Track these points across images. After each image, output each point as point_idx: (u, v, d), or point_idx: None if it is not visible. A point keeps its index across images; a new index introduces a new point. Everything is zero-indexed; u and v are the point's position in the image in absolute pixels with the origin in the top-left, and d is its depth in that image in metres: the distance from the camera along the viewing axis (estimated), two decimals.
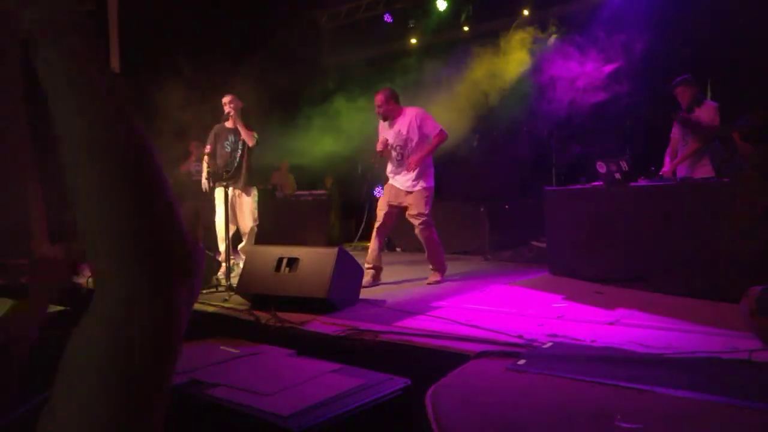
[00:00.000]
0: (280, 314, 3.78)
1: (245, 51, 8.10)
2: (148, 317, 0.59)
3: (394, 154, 5.19)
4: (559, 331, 3.18)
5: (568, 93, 7.41)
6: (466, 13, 9.22)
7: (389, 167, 5.32)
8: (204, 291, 4.78)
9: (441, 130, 5.11)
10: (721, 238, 3.96)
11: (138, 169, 0.62)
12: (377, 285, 5.11)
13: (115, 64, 8.14)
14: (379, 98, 5.15)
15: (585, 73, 7.33)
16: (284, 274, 4.13)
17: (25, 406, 2.20)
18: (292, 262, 4.15)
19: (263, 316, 3.82)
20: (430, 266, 5.30)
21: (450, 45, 9.19)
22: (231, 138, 5.75)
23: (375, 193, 10.44)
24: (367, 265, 5.09)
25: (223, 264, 5.15)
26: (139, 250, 0.59)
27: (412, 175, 5.12)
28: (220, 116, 5.81)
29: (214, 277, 5.05)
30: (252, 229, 5.73)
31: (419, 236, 5.20)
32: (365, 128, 7.43)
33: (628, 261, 4.59)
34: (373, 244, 5.28)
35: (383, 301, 4.30)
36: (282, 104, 8.54)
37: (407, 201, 5.17)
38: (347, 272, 4.18)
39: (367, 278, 4.92)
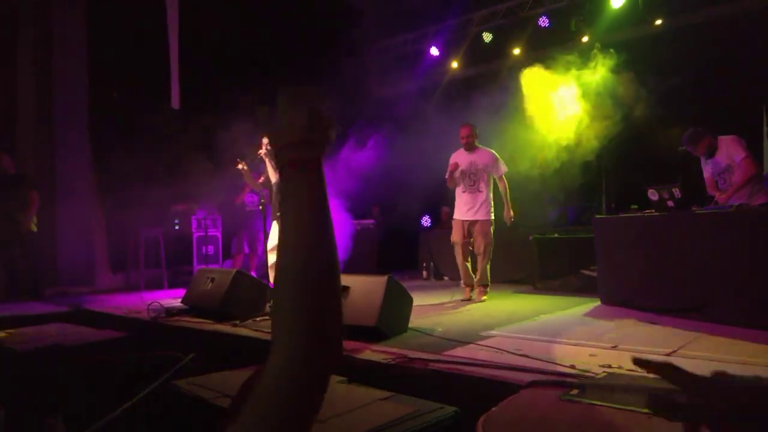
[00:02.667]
0: None
1: (297, 84, 8.36)
2: (308, 378, 0.79)
3: (465, 180, 6.03)
4: (613, 362, 3.13)
5: (619, 118, 7.36)
6: (513, 44, 9.30)
7: (459, 189, 6.10)
8: (258, 318, 4.91)
9: (505, 172, 6.10)
10: None
11: (330, 281, 0.84)
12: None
13: (175, 100, 8.55)
14: (467, 130, 6.08)
15: (635, 99, 7.27)
16: None
17: (94, 426, 2.33)
18: (343, 290, 4.23)
19: None
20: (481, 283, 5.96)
21: (496, 76, 9.28)
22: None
23: (422, 222, 10.52)
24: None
25: None
26: (314, 331, 0.80)
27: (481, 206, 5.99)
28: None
29: (268, 305, 5.17)
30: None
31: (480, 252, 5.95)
32: (413, 158, 7.54)
33: (684, 290, 4.47)
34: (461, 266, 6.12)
35: (433, 330, 4.32)
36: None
37: (475, 229, 5.97)
38: (397, 301, 4.23)
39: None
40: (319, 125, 0.93)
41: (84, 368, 3.56)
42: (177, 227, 8.27)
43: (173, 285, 7.90)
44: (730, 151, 5.18)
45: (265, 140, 6.00)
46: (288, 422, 0.76)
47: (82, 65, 8.08)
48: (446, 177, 6.15)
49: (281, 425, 0.75)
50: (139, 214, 7.81)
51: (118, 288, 8.03)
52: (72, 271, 7.86)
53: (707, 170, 5.44)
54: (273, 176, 5.94)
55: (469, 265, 6.13)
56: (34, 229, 7.12)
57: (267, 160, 5.97)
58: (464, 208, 6.04)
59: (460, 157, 6.11)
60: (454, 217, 6.14)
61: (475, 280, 6.01)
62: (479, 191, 5.97)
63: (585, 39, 8.63)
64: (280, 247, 0.84)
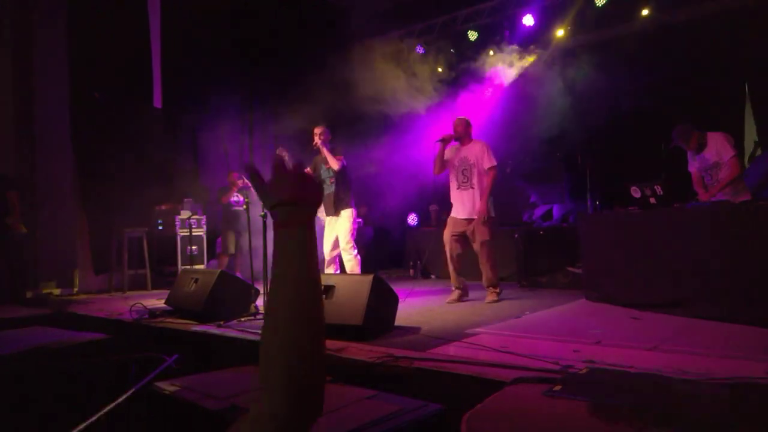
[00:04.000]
0: None
1: (281, 85, 8.33)
2: (295, 424, 0.87)
3: (458, 176, 5.81)
4: (596, 357, 3.15)
5: (602, 115, 7.42)
6: (498, 42, 9.33)
7: (453, 185, 5.88)
8: (242, 319, 4.89)
9: (492, 166, 5.70)
10: (761, 262, 3.88)
11: (318, 345, 0.92)
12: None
13: (158, 99, 8.49)
14: (457, 123, 5.87)
15: (617, 99, 7.34)
16: None
17: (77, 429, 2.30)
18: (328, 289, 4.22)
19: None
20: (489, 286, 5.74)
21: (481, 73, 9.31)
22: (323, 167, 6.20)
23: (409, 220, 10.53)
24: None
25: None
26: (296, 389, 0.87)
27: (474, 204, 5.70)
28: (310, 148, 6.21)
29: (253, 305, 5.15)
30: (347, 250, 6.01)
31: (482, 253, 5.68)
32: (401, 156, 7.55)
33: (666, 286, 4.51)
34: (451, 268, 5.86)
35: (418, 328, 4.33)
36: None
37: (471, 228, 5.68)
38: (383, 299, 4.23)
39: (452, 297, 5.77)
40: (306, 188, 1.02)
41: (66, 370, 3.53)
42: (161, 227, 8.20)
43: (157, 286, 7.84)
44: (718, 147, 5.23)
45: (318, 130, 6.13)
46: None
47: (64, 66, 7.98)
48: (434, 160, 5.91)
49: None
50: (122, 215, 7.73)
51: (101, 289, 7.94)
52: (54, 273, 7.77)
53: (694, 165, 5.49)
54: (334, 164, 6.02)
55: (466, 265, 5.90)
56: (24, 230, 7.04)
57: (323, 149, 6.05)
58: (458, 207, 5.80)
59: (451, 152, 5.89)
60: (451, 214, 5.92)
61: (483, 283, 5.78)
62: (472, 188, 5.70)
63: (561, 34, 8.67)
64: (270, 304, 0.91)
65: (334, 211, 6.08)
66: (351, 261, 6.03)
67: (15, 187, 7.04)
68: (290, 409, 0.85)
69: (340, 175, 6.11)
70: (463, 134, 5.83)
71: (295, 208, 0.99)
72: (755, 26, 6.60)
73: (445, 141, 5.82)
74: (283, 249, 0.96)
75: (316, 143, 6.08)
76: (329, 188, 6.11)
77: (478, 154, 5.71)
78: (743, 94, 7.34)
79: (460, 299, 5.74)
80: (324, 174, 6.19)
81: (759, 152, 7.11)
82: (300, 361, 0.87)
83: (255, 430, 0.85)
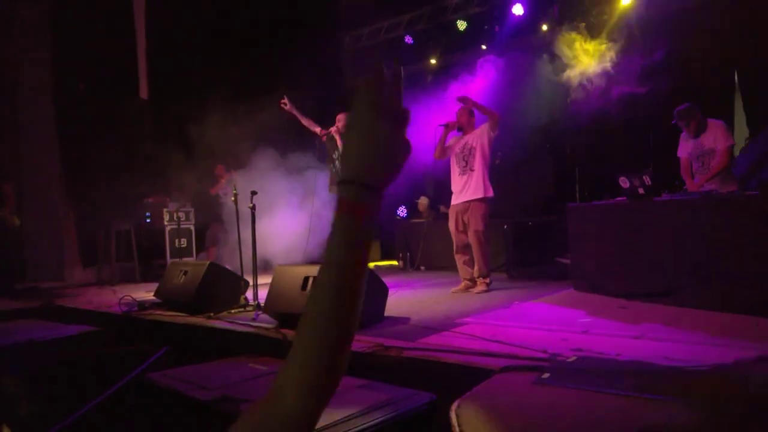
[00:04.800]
0: None
1: (269, 75, 8.28)
2: (314, 413, 0.79)
3: (459, 162, 5.82)
4: (583, 346, 3.19)
5: (590, 108, 7.44)
6: (486, 32, 9.33)
7: (454, 173, 5.90)
8: (233, 310, 4.89)
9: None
10: (746, 251, 3.93)
11: (347, 307, 0.83)
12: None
13: (144, 90, 8.41)
14: (459, 110, 5.90)
15: (607, 90, 7.36)
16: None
17: (61, 423, 2.30)
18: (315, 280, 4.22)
19: (290, 334, 3.88)
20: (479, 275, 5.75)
21: (471, 64, 9.30)
22: (336, 151, 6.34)
23: (398, 212, 10.54)
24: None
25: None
26: (326, 372, 0.80)
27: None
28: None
29: (243, 297, 5.14)
30: None
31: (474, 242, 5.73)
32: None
33: (653, 276, 4.56)
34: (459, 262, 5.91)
35: (408, 319, 4.35)
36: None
37: (467, 215, 5.74)
38: (372, 290, 4.23)
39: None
40: (391, 166, 0.84)
41: (57, 363, 3.52)
42: (149, 220, 8.15)
43: (146, 279, 7.79)
44: (717, 135, 5.27)
45: (343, 116, 6.17)
46: None
47: (47, 57, 7.89)
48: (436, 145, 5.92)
49: None
50: (110, 208, 7.68)
51: (89, 283, 7.90)
52: (42, 266, 7.72)
53: (686, 149, 5.51)
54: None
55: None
56: (17, 222, 6.97)
57: (338, 138, 6.08)
58: (457, 191, 5.84)
59: (454, 140, 5.92)
60: (451, 202, 5.94)
61: (473, 273, 5.78)
62: (472, 170, 5.71)
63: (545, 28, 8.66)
64: (319, 285, 0.84)
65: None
66: None
67: (10, 179, 6.96)
68: (323, 383, 0.79)
69: None
70: (465, 124, 5.87)
71: (370, 190, 0.82)
72: (745, 14, 6.63)
73: (448, 127, 5.88)
74: (345, 232, 0.82)
75: (333, 130, 6.14)
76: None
77: (480, 135, 5.74)
78: (732, 84, 7.38)
79: (466, 290, 5.74)
80: (336, 155, 6.29)
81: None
82: (339, 340, 0.82)
83: (269, 412, 0.79)
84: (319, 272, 0.84)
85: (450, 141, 5.97)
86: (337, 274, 0.82)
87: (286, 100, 6.36)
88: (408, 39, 10.20)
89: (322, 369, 0.79)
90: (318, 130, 6.40)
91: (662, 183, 5.02)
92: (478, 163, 5.71)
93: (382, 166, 0.83)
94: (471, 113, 5.94)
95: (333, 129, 6.19)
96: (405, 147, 0.84)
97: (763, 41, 6.53)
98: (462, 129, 5.89)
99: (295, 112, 6.40)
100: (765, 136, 4.24)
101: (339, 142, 6.10)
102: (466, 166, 5.78)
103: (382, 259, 9.68)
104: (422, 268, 8.38)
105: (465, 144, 5.82)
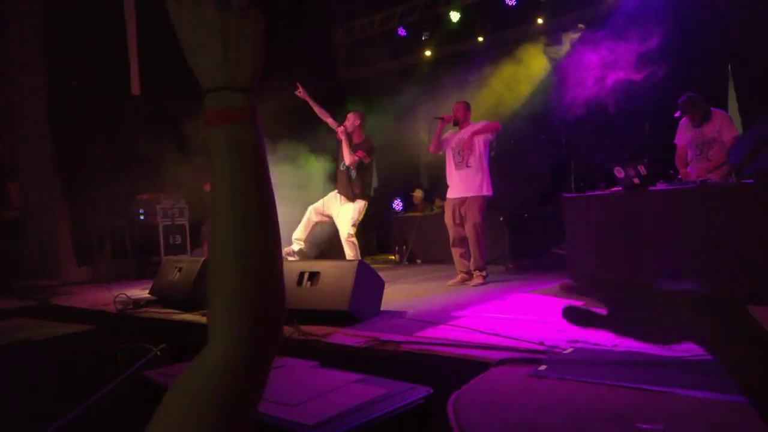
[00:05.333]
0: (303, 327, 3.84)
1: (263, 68, 8.24)
2: (251, 365, 0.69)
3: (455, 157, 5.87)
4: (580, 337, 3.18)
5: (584, 99, 7.42)
6: (480, 24, 9.28)
7: (449, 167, 5.94)
8: None
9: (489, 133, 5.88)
10: (742, 240, 3.94)
11: (274, 259, 0.72)
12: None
13: (136, 86, 8.35)
14: (456, 107, 5.99)
15: (602, 79, 7.34)
16: (306, 288, 4.20)
17: (57, 422, 2.29)
18: (313, 276, 4.22)
19: (287, 330, 3.87)
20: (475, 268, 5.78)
21: (464, 55, 9.27)
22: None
23: (394, 205, 10.53)
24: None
25: None
26: (252, 311, 0.69)
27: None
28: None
29: None
30: (348, 240, 6.01)
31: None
32: (383, 141, 7.50)
33: (650, 265, 4.56)
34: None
35: (404, 312, 4.34)
36: (299, 121, 8.70)
37: (464, 209, 5.78)
38: (368, 284, 4.23)
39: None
40: (254, 61, 0.74)
41: (52, 362, 3.50)
42: (142, 217, 8.11)
43: (141, 276, 7.77)
44: (721, 125, 5.26)
45: (351, 115, 6.13)
46: (226, 417, 0.67)
47: (39, 53, 7.82)
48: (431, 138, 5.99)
49: (218, 421, 0.66)
50: (104, 205, 7.65)
51: (84, 280, 7.87)
52: (36, 265, 7.68)
53: (686, 137, 5.50)
54: (348, 158, 5.98)
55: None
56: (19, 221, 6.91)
57: (344, 140, 6.02)
58: (453, 186, 5.90)
59: (450, 134, 6.01)
60: (447, 196, 5.99)
61: (470, 266, 5.82)
62: (468, 166, 5.77)
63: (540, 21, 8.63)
64: (215, 221, 0.71)
65: (350, 196, 6.07)
66: (351, 248, 6.00)
67: (15, 179, 6.90)
68: (245, 342, 0.68)
69: (358, 167, 6.06)
70: (462, 118, 5.94)
71: (248, 93, 0.73)
72: (739, 7, 6.62)
73: (444, 120, 5.93)
74: (232, 148, 0.71)
75: (340, 130, 6.08)
76: (349, 173, 6.10)
77: (475, 131, 5.81)
78: (726, 76, 7.38)
79: (463, 282, 5.76)
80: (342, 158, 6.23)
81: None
82: (257, 277, 0.70)
83: (200, 380, 0.67)
84: (214, 203, 0.71)
85: (446, 134, 6.00)
86: (237, 200, 0.71)
87: (300, 89, 6.30)
88: (401, 31, 10.14)
89: (245, 312, 0.69)
90: (331, 121, 6.33)
91: (658, 172, 5.01)
92: (474, 159, 5.76)
93: (247, 63, 0.73)
94: (467, 107, 5.99)
95: (341, 128, 6.12)
96: (262, 35, 0.74)
97: (757, 32, 6.53)
98: (458, 123, 5.94)
99: (309, 99, 6.34)
100: (758, 125, 4.24)
101: (344, 142, 6.04)
102: (462, 161, 5.82)
103: (379, 252, 9.67)
104: (419, 261, 8.38)
105: (460, 138, 5.86)
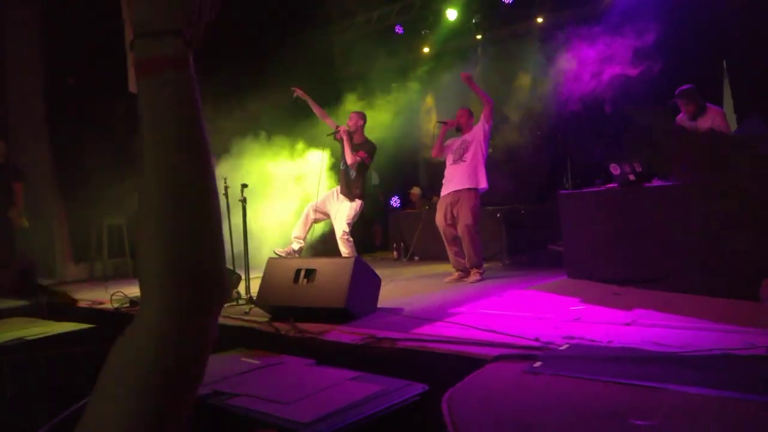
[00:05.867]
0: (300, 325, 3.84)
1: (259, 69, 8.22)
2: (187, 335, 0.64)
3: (454, 155, 5.87)
4: (575, 333, 3.19)
5: (581, 96, 7.42)
6: (477, 21, 9.27)
7: (448, 164, 5.93)
8: (225, 305, 4.87)
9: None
10: (736, 235, 3.94)
11: (194, 192, 0.67)
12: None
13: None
14: (459, 113, 6.02)
15: (598, 75, 7.34)
16: (302, 285, 4.19)
17: (53, 420, 2.29)
18: (310, 273, 4.21)
19: (283, 328, 3.88)
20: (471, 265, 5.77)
21: (462, 53, 9.26)
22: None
23: (392, 202, 10.53)
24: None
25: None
26: (184, 275, 0.64)
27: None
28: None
29: (235, 291, 5.13)
30: (343, 239, 6.02)
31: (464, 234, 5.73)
32: (380, 139, 7.50)
33: (646, 262, 4.57)
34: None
35: (401, 309, 4.34)
36: (297, 118, 8.69)
37: (457, 206, 5.74)
38: (364, 281, 4.23)
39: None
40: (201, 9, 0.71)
41: (48, 361, 3.50)
42: None
43: None
44: (715, 120, 5.26)
45: (354, 115, 6.15)
46: (163, 391, 0.61)
47: (36, 52, 7.80)
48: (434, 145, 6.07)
49: (146, 409, 0.61)
50: (102, 203, 7.63)
51: (82, 279, 7.86)
52: (33, 263, 7.65)
53: None
54: (350, 158, 5.98)
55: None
56: (26, 224, 6.85)
57: (345, 140, 6.01)
58: (447, 182, 5.88)
59: (452, 139, 6.06)
60: (441, 193, 5.97)
61: (466, 263, 5.79)
62: (463, 161, 5.77)
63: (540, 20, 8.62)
64: (146, 173, 0.66)
65: (348, 195, 6.07)
66: (346, 245, 6.01)
67: (21, 179, 6.86)
68: (176, 313, 0.62)
69: (359, 167, 6.05)
70: (464, 124, 5.98)
71: (182, 39, 0.70)
72: (735, 5, 6.63)
73: (447, 125, 5.99)
74: (163, 94, 0.68)
75: (342, 129, 6.06)
76: (346, 173, 6.10)
77: (475, 132, 5.85)
78: (722, 73, 7.38)
79: (460, 279, 5.76)
80: (343, 158, 6.19)
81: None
82: (183, 225, 0.64)
83: (132, 353, 0.62)
84: (145, 161, 0.66)
85: (448, 141, 6.06)
86: (169, 151, 0.66)
87: (298, 90, 6.32)
88: (398, 29, 10.13)
89: (178, 275, 0.63)
90: (329, 121, 6.34)
91: (652, 170, 5.01)
92: (470, 155, 5.76)
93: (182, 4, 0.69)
94: (470, 114, 6.03)
95: (343, 128, 6.10)
96: None
97: (753, 31, 6.54)
98: (461, 129, 5.98)
99: (308, 99, 6.36)
100: (751, 122, 4.25)
101: (346, 142, 6.04)
102: (459, 158, 5.85)
103: (376, 249, 9.67)
104: (416, 258, 8.38)
105: (463, 141, 5.91)
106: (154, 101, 0.67)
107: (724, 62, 7.32)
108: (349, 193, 6.06)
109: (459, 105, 6.47)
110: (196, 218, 0.66)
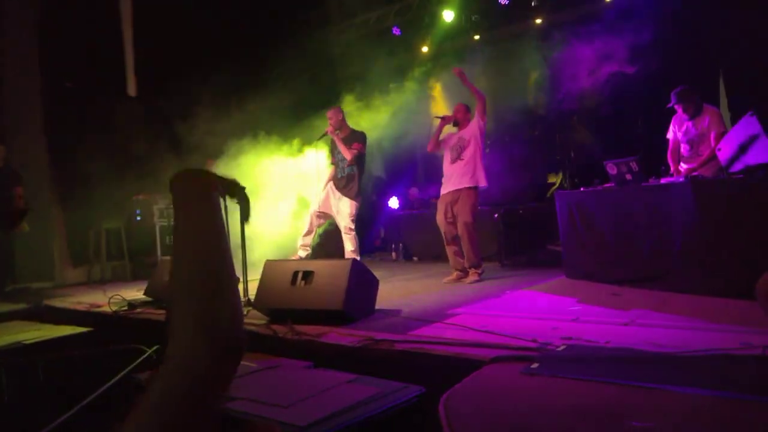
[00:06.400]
0: (298, 327, 3.84)
1: (258, 70, 8.22)
2: (208, 380, 0.82)
3: (452, 153, 5.89)
4: (573, 334, 3.19)
5: (578, 96, 7.43)
6: (474, 22, 9.27)
7: (446, 163, 5.96)
8: None
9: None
10: (733, 235, 3.94)
11: (219, 269, 0.89)
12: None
13: (132, 87, 8.34)
14: (456, 108, 6.04)
15: (595, 76, 7.35)
16: (300, 287, 4.19)
17: (51, 424, 2.28)
18: (308, 275, 4.21)
19: (281, 330, 3.87)
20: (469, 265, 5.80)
21: (459, 54, 9.26)
22: (337, 150, 6.27)
23: (390, 204, 10.52)
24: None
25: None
26: (209, 330, 0.83)
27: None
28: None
29: None
30: (348, 234, 6.10)
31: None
32: (379, 139, 7.51)
33: (644, 261, 4.57)
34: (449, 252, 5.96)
35: (399, 311, 4.34)
36: (296, 119, 8.68)
37: (456, 205, 5.77)
38: (362, 283, 4.23)
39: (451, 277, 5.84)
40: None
41: (46, 365, 3.49)
42: (139, 218, 8.10)
43: (137, 277, 7.76)
44: (711, 121, 5.25)
45: (328, 114, 6.22)
46: (183, 423, 0.79)
47: (34, 55, 7.80)
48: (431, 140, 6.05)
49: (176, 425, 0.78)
50: (100, 206, 7.63)
51: (80, 282, 7.85)
52: (31, 267, 7.66)
53: (677, 132, 5.50)
54: (347, 154, 6.05)
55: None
56: (27, 228, 6.85)
57: (336, 139, 6.08)
58: (447, 181, 5.90)
59: (448, 134, 6.06)
60: (441, 193, 5.99)
61: (465, 263, 5.82)
62: (461, 159, 5.79)
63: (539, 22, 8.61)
64: (175, 257, 0.91)
65: (347, 192, 6.14)
66: (351, 242, 6.05)
67: (21, 183, 6.87)
68: (204, 350, 0.82)
69: (356, 161, 6.11)
70: (461, 120, 5.98)
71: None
72: (731, 7, 6.64)
73: (444, 120, 5.99)
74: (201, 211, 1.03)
75: (329, 131, 6.15)
76: (345, 171, 6.16)
77: (473, 128, 5.86)
78: (717, 80, 7.39)
79: (458, 280, 5.77)
80: (338, 156, 6.25)
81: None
82: (212, 292, 0.87)
83: (167, 386, 0.82)
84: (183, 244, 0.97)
85: (444, 136, 6.05)
86: (204, 247, 0.98)
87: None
88: (396, 30, 10.13)
89: (206, 335, 0.83)
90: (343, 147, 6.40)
91: (650, 168, 5.01)
92: (468, 152, 5.78)
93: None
94: (467, 109, 6.03)
95: (329, 129, 6.15)
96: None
97: (749, 32, 6.55)
98: (458, 124, 5.98)
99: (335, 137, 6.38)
100: (746, 121, 4.25)
101: (338, 140, 6.07)
102: (458, 157, 5.85)
103: (375, 250, 9.67)
104: (415, 258, 8.39)
105: (460, 137, 5.90)
106: (212, 209, 1.02)
107: (720, 71, 7.33)
108: (347, 190, 6.09)
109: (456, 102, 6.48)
110: (221, 298, 0.88)
